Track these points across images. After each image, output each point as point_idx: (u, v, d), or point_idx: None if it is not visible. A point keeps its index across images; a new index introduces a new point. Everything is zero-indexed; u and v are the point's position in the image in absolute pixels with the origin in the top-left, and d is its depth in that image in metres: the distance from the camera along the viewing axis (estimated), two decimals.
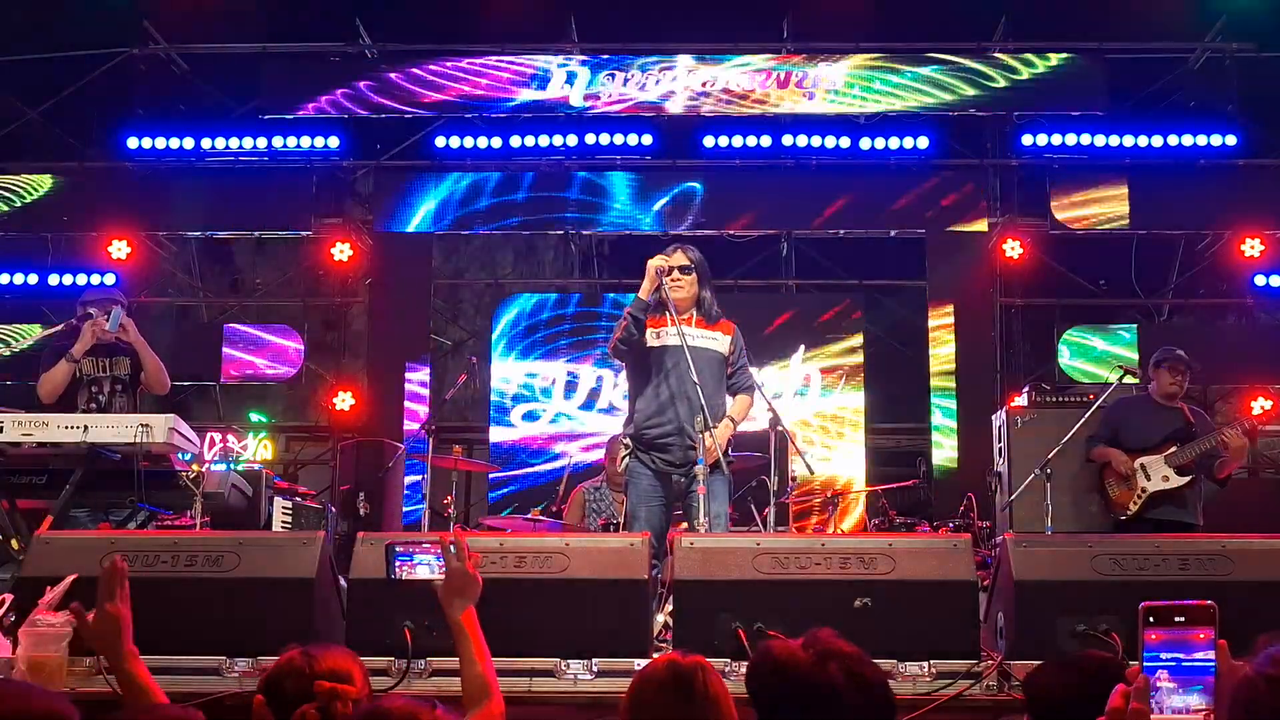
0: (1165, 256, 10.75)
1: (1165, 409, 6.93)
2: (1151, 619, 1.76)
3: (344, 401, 10.50)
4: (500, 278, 12.64)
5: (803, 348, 10.66)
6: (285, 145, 10.66)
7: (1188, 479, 6.70)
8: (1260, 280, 10.33)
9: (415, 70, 10.60)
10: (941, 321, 10.69)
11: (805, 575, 4.13)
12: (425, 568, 3.10)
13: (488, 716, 2.86)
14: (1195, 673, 1.73)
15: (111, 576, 2.88)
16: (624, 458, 5.55)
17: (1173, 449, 6.73)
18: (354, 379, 10.92)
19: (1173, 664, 1.75)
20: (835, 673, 2.17)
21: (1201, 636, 1.74)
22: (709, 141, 10.59)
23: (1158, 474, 6.74)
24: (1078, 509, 7.19)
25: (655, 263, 5.47)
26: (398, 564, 3.12)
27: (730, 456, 5.48)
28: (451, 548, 2.99)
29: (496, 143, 10.67)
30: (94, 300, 6.48)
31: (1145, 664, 1.75)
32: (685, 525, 5.46)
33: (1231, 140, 10.28)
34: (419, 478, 8.96)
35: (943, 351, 10.65)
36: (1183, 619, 1.75)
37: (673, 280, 5.51)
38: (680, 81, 10.50)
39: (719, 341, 5.54)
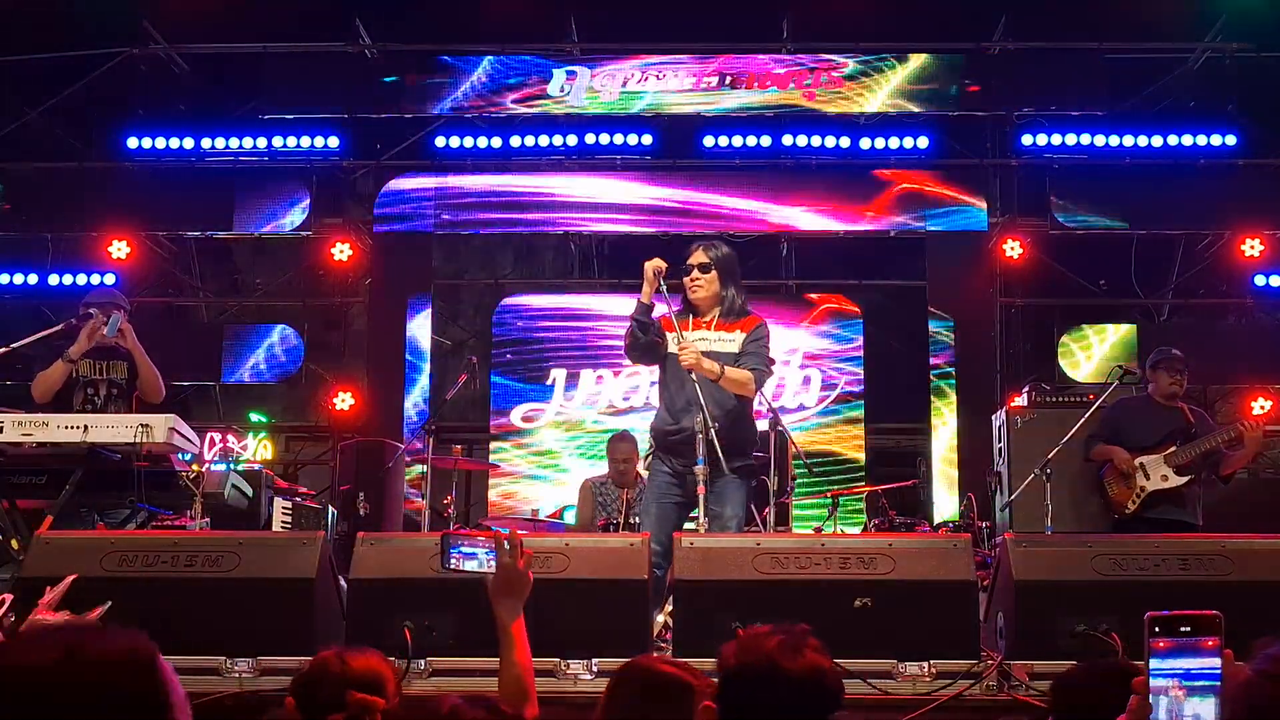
0: (1165, 256, 10.75)
1: (1165, 409, 6.93)
2: (1157, 629, 1.76)
3: (344, 401, 10.50)
4: (500, 278, 12.63)
5: (802, 348, 10.66)
6: (285, 145, 10.67)
7: (1187, 479, 6.70)
8: (1260, 280, 10.33)
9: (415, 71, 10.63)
10: (941, 321, 10.70)
11: (805, 575, 4.13)
12: (476, 561, 3.08)
13: None
14: (1205, 682, 1.74)
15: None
16: (647, 455, 5.56)
17: (1172, 449, 6.73)
18: (354, 379, 10.92)
19: (1181, 673, 1.75)
20: (779, 645, 2.23)
21: (1210, 644, 1.74)
22: (709, 141, 10.58)
23: (1157, 473, 6.74)
24: (1077, 509, 7.20)
25: (652, 264, 5.31)
26: (453, 555, 3.10)
27: (750, 459, 5.40)
28: (506, 544, 2.97)
29: (496, 143, 10.67)
30: (96, 302, 6.46)
31: (1153, 673, 1.76)
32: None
33: (1231, 140, 10.28)
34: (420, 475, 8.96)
35: (942, 351, 10.65)
36: (1189, 629, 1.75)
37: (691, 280, 5.39)
38: (681, 80, 10.50)
39: (735, 342, 5.36)
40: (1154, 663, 1.76)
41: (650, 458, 5.51)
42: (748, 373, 5.29)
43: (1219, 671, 1.74)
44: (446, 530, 3.26)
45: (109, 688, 1.47)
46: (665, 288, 5.28)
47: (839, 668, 2.39)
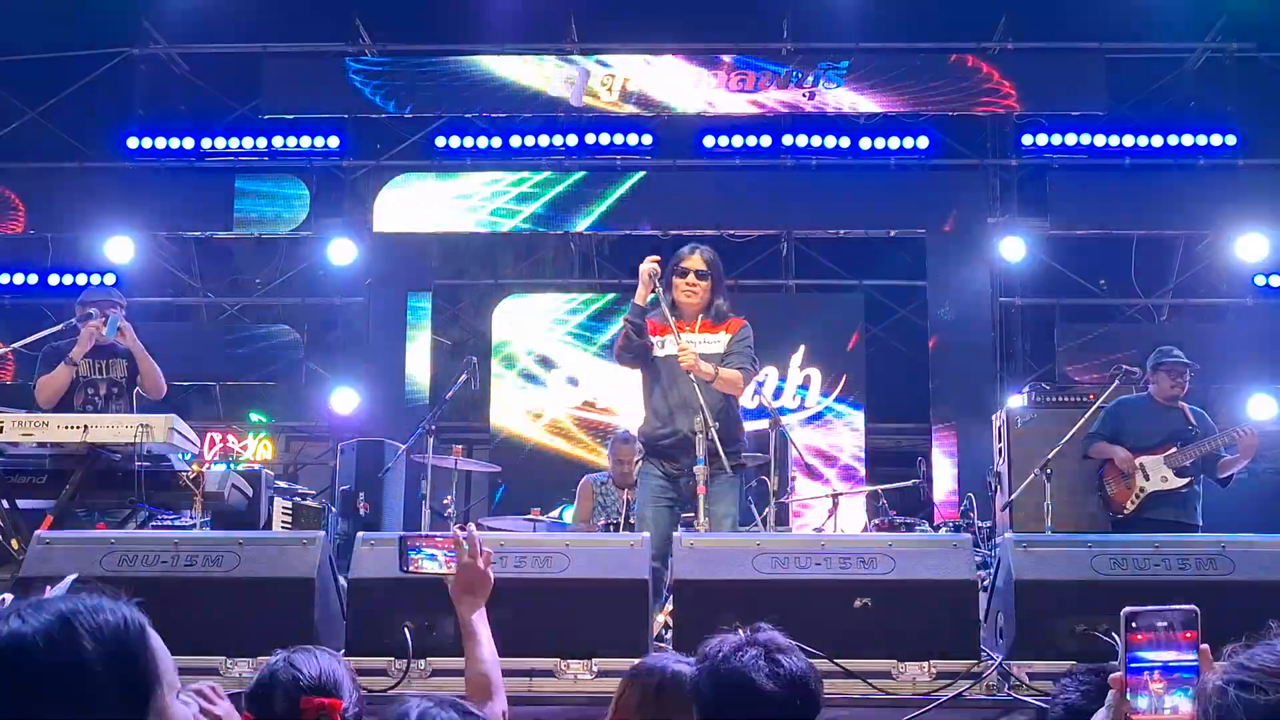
0: (1165, 256, 10.76)
1: (1165, 409, 6.91)
2: (1134, 624, 1.78)
3: (344, 401, 10.49)
4: (500, 278, 12.62)
5: (803, 348, 10.66)
6: (285, 145, 10.68)
7: (1186, 480, 6.69)
8: (1260, 280, 10.34)
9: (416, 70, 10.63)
10: (941, 321, 10.69)
11: (805, 575, 4.13)
12: (435, 563, 3.07)
13: (490, 717, 2.85)
14: (1182, 675, 1.75)
15: None
16: (638, 461, 5.56)
17: (1172, 450, 6.72)
18: (354, 379, 10.92)
19: (1160, 666, 1.76)
20: (752, 658, 2.21)
21: (1187, 637, 1.75)
22: (709, 141, 10.59)
23: (1156, 474, 6.73)
24: (1077, 508, 7.19)
25: (647, 266, 5.33)
26: (410, 557, 3.09)
27: (741, 457, 5.43)
28: (464, 544, 2.97)
29: (496, 143, 10.68)
30: (93, 301, 6.45)
31: (1130, 667, 1.77)
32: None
33: (1231, 140, 10.30)
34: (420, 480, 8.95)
35: (942, 352, 10.65)
36: (1166, 624, 1.76)
37: (689, 284, 5.40)
38: (681, 81, 10.50)
39: (719, 343, 5.41)
40: (1132, 657, 1.77)
41: (640, 461, 5.51)
42: (737, 372, 5.37)
43: (1196, 664, 1.75)
44: (403, 534, 3.24)
45: (101, 657, 1.50)
46: (660, 290, 5.32)
47: (796, 662, 2.33)
